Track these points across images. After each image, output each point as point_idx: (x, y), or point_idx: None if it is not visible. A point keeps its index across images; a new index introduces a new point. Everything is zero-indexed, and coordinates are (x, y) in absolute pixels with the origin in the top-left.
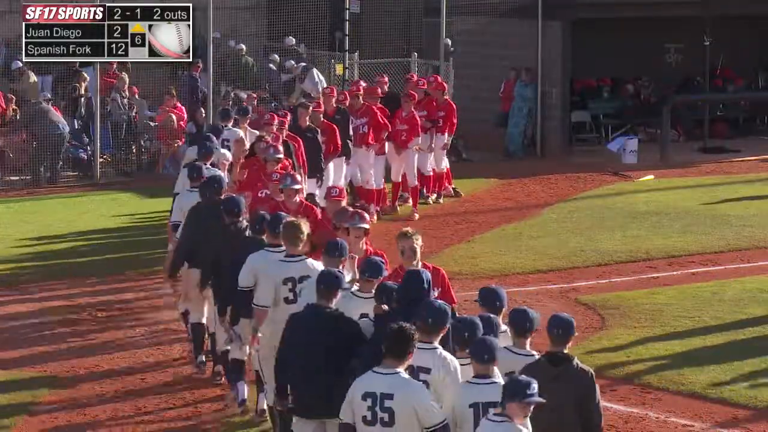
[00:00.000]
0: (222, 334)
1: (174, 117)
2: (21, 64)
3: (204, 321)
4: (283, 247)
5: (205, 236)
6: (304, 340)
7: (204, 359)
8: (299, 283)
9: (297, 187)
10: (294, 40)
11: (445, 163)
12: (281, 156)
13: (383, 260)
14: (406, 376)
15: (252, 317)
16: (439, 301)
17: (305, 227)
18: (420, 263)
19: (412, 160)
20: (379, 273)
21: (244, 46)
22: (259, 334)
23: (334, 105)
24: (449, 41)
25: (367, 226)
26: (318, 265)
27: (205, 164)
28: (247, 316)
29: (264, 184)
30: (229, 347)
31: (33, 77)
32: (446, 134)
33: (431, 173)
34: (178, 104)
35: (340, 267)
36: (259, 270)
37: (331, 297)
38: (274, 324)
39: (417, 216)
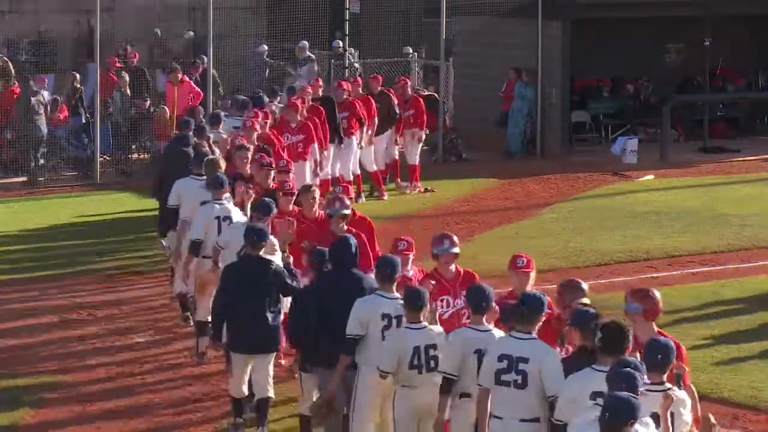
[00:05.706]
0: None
1: (167, 110)
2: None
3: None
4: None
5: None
6: (244, 285)
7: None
8: None
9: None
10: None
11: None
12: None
13: (272, 202)
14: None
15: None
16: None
17: (222, 163)
18: None
19: (307, 170)
20: (269, 211)
21: (266, 47)
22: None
23: (255, 142)
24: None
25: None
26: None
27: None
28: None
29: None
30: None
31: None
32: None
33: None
34: (186, 79)
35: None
36: (183, 192)
37: (260, 247)
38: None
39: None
